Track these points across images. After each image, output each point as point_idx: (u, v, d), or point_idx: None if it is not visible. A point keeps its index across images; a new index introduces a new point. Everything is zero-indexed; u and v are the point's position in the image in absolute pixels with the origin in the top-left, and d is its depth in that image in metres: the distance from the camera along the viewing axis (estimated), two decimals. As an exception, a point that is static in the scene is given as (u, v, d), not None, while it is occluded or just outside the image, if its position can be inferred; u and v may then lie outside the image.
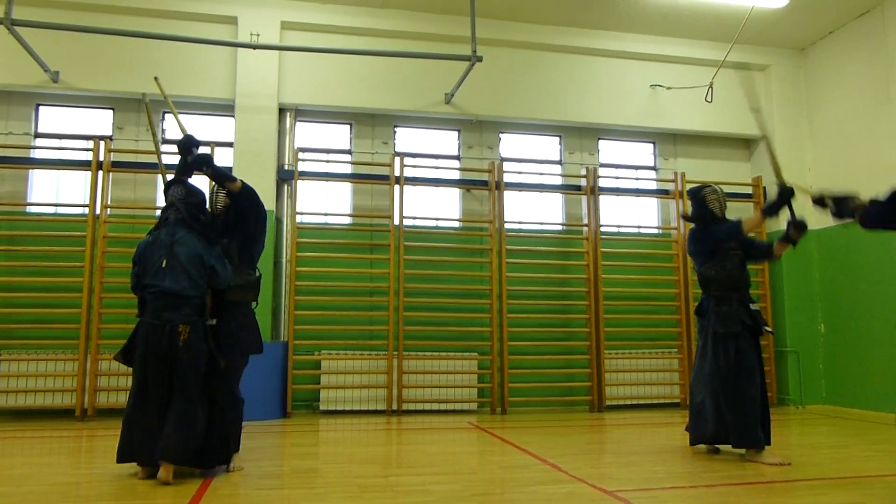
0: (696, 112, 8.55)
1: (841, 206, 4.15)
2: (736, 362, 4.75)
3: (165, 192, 4.34)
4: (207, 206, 4.47)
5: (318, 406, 7.46)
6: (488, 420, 7.09)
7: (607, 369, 7.98)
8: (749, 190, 8.86)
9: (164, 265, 4.05)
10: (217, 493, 3.75)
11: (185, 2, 7.58)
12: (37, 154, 7.57)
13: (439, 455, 5.07)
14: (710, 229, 5.02)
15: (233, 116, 7.64)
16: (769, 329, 4.95)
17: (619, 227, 8.59)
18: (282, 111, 7.87)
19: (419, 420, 7.08)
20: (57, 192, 7.54)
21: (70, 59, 7.31)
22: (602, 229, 8.30)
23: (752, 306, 4.91)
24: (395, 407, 7.41)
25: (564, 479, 4.15)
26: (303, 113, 8.11)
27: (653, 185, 8.85)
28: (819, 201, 4.27)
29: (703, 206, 5.08)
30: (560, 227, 8.51)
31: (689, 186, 8.36)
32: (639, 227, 8.73)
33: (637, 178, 8.89)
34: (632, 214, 8.79)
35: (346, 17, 7.90)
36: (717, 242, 4.93)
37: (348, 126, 8.32)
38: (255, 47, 7.28)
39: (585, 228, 8.34)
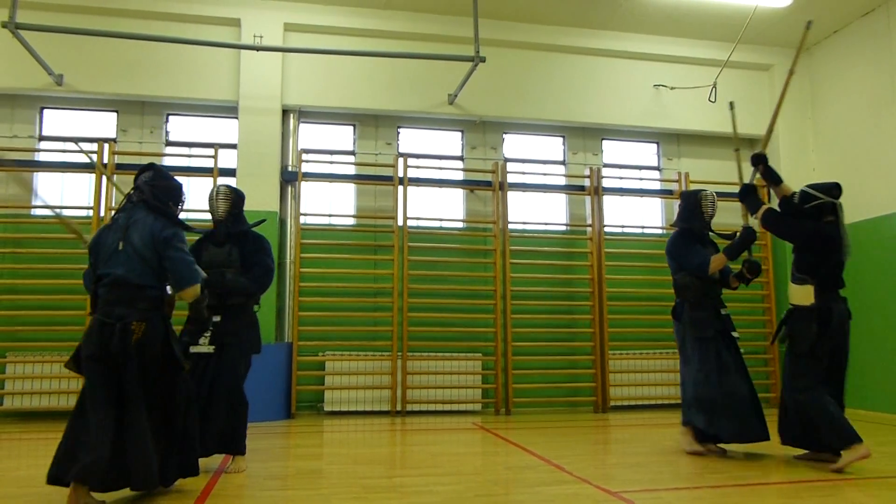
0: (700, 112, 8.53)
1: (750, 194, 5.02)
2: (717, 362, 4.97)
3: (135, 179, 3.85)
4: (182, 201, 3.98)
5: (322, 407, 7.46)
6: (492, 421, 7.09)
7: (611, 370, 7.98)
8: (753, 190, 8.82)
9: (119, 248, 3.56)
10: (222, 494, 3.76)
11: (188, 4, 7.59)
12: (41, 157, 7.59)
13: (443, 456, 5.07)
14: (688, 250, 5.16)
15: (236, 118, 7.65)
16: (735, 335, 5.15)
17: (622, 227, 8.58)
18: (285, 113, 7.87)
19: (423, 421, 7.08)
20: (61, 194, 7.56)
21: (74, 63, 7.33)
22: (606, 229, 8.30)
23: (723, 311, 5.18)
24: (399, 408, 7.41)
25: (569, 479, 4.15)
26: (306, 114, 8.12)
27: (657, 186, 8.85)
28: (756, 160, 5.06)
29: (697, 210, 5.26)
30: (564, 228, 8.50)
31: (692, 187, 8.41)
32: (643, 227, 8.72)
33: (641, 179, 8.89)
34: (635, 214, 8.77)
35: (349, 19, 7.91)
36: (686, 267, 5.17)
37: (352, 127, 8.33)
38: (258, 49, 7.29)
39: (589, 229, 8.33)
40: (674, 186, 8.67)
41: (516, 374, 7.79)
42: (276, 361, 7.13)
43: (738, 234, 5.20)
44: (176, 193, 3.87)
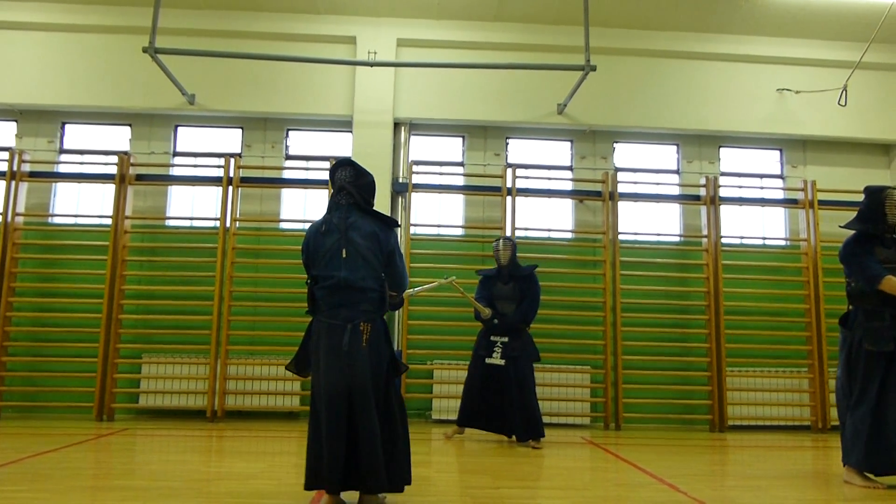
0: (829, 116, 8.03)
1: None
2: (886, 383, 4.36)
3: (332, 174, 3.79)
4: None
5: (430, 415, 7.56)
6: (601, 436, 6.93)
7: (729, 387, 7.60)
8: (889, 198, 8.19)
9: (342, 252, 3.52)
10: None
11: (308, 24, 7.97)
12: (175, 171, 8.14)
13: (551, 469, 5.01)
14: (861, 259, 4.52)
15: (350, 132, 7.94)
16: None
17: (742, 238, 8.19)
18: (397, 126, 8.09)
19: (531, 433, 7.01)
20: (192, 206, 8.10)
21: (204, 83, 7.85)
22: (723, 241, 7.95)
23: None
24: (506, 419, 7.37)
25: (683, 500, 3.98)
26: (417, 127, 8.30)
27: (780, 195, 8.38)
28: None
29: (880, 210, 4.59)
30: (678, 239, 8.23)
31: (820, 196, 7.91)
32: (764, 238, 8.29)
33: (762, 188, 8.46)
34: (756, 225, 8.35)
35: (460, 32, 8.04)
36: (857, 276, 4.56)
37: (461, 138, 8.43)
38: (372, 65, 7.55)
39: (705, 240, 8.01)
40: (799, 195, 8.17)
41: (627, 389, 7.58)
42: (387, 368, 7.27)
43: None
44: (374, 186, 3.83)
